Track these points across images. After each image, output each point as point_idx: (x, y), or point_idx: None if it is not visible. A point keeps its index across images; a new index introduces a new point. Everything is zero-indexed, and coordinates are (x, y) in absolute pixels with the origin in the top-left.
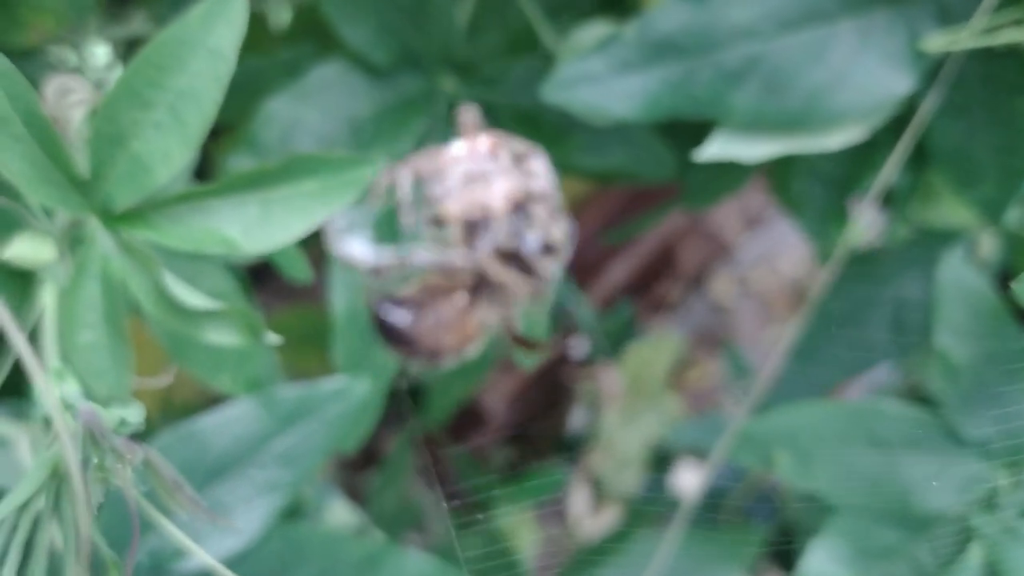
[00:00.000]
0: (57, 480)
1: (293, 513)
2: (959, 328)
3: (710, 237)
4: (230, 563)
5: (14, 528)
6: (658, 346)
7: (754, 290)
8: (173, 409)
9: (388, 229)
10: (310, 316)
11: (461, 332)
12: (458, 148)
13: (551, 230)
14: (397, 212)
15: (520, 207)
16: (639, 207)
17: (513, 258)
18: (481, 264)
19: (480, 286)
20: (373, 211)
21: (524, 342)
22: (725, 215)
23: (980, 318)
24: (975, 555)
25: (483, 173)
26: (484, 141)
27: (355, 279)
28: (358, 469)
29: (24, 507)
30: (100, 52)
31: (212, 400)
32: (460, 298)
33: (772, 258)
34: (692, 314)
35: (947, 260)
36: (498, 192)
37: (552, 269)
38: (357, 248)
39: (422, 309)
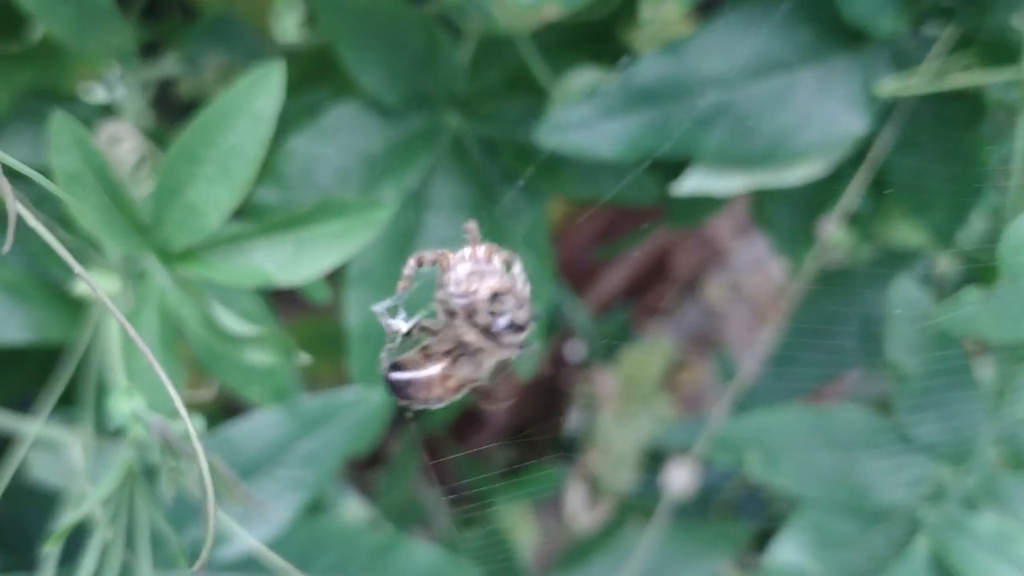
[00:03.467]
0: (131, 481)
1: (315, 508)
2: (907, 342)
3: (704, 244)
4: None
5: (98, 520)
6: (652, 350)
7: (746, 295)
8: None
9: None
10: (321, 325)
11: (445, 387)
12: (464, 251)
13: (518, 315)
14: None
15: (499, 297)
16: (633, 219)
17: (488, 332)
18: (465, 336)
19: (463, 352)
20: (404, 290)
21: (489, 396)
22: (718, 223)
23: (926, 334)
24: (921, 544)
25: (479, 271)
26: (482, 249)
27: (366, 299)
28: (365, 468)
29: (107, 502)
30: (136, 92)
31: (231, 407)
32: (444, 361)
33: (764, 264)
34: (686, 318)
35: (897, 280)
36: (486, 284)
37: (517, 343)
38: (397, 323)
39: (417, 370)
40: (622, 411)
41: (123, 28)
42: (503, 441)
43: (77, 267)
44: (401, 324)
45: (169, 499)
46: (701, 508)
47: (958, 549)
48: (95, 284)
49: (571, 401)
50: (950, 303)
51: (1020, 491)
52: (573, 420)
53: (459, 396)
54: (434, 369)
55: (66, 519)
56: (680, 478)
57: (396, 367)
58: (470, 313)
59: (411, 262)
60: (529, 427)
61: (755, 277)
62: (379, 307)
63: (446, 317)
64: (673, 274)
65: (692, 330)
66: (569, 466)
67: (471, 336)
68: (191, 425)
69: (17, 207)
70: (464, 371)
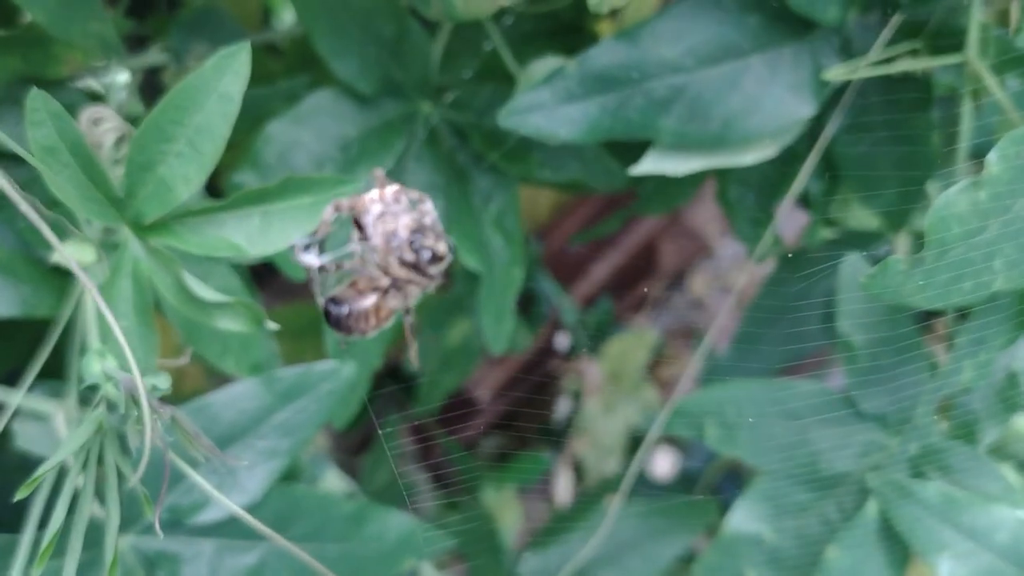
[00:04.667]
0: (101, 434)
1: (291, 476)
2: (857, 317)
3: (691, 237)
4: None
5: (68, 470)
6: (636, 340)
7: (731, 287)
8: (183, 397)
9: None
10: (306, 312)
11: (378, 317)
12: (374, 194)
13: (437, 247)
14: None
15: (416, 233)
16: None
17: (413, 266)
18: (391, 270)
19: (390, 285)
20: (323, 233)
21: (410, 329)
22: (705, 216)
23: (875, 309)
24: (871, 509)
25: (391, 211)
26: (390, 190)
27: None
28: (355, 454)
29: (78, 453)
30: (121, 80)
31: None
32: (375, 294)
33: (749, 257)
34: (672, 310)
35: (847, 259)
36: (402, 223)
37: (438, 272)
38: (309, 257)
39: (351, 303)
40: (608, 400)
41: (104, 16)
42: (492, 428)
43: (50, 235)
44: (313, 259)
45: (135, 450)
46: (684, 491)
47: (905, 514)
48: (66, 253)
49: (559, 390)
50: (880, 271)
51: (967, 461)
52: (561, 408)
53: (388, 325)
54: (368, 301)
55: (41, 468)
56: (662, 462)
57: (335, 301)
58: (396, 252)
59: (329, 208)
60: (518, 415)
61: (740, 270)
62: (298, 241)
63: (370, 256)
64: (660, 268)
65: (678, 321)
66: (557, 453)
67: (402, 273)
68: (138, 376)
69: (3, 184)
70: (394, 303)
